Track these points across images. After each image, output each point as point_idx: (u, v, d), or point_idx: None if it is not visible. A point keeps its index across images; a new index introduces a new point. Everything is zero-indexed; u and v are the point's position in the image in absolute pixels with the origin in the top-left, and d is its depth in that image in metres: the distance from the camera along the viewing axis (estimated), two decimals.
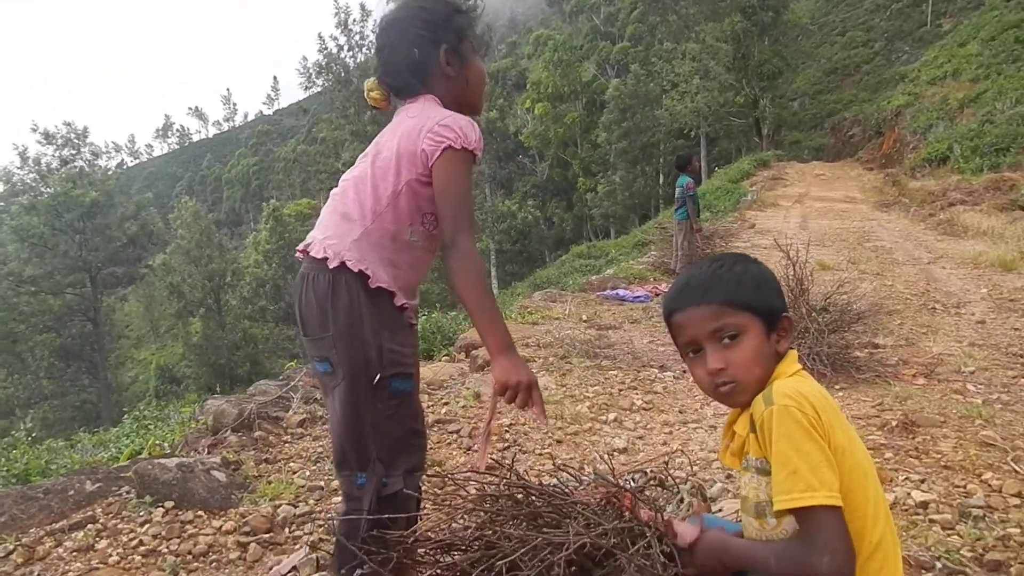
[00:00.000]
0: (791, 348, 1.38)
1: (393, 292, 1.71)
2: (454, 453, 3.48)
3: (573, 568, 1.40)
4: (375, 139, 1.84)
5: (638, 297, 7.98)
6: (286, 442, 3.65)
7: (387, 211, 1.71)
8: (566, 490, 1.54)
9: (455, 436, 3.70)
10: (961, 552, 2.30)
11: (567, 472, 1.77)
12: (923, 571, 2.20)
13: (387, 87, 1.87)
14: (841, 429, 1.26)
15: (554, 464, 1.60)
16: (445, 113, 1.74)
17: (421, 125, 1.72)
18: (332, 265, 1.67)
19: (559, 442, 3.55)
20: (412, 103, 1.82)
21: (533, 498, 1.49)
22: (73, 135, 40.29)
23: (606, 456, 3.23)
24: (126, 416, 6.91)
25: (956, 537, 2.41)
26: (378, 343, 1.66)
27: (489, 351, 1.65)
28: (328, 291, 1.68)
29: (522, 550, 1.28)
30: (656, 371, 4.87)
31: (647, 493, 1.72)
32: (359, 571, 1.39)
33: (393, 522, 1.54)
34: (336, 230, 1.73)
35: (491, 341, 1.63)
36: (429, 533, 1.49)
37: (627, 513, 1.47)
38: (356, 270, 1.67)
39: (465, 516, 1.48)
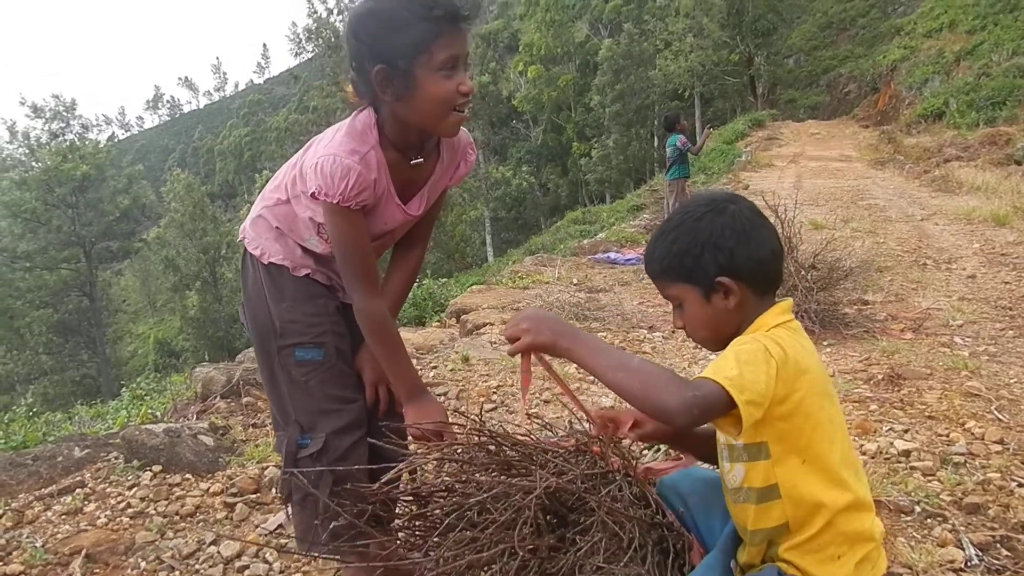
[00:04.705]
0: (786, 298, 1.40)
1: (286, 266, 1.73)
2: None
3: (548, 515, 1.41)
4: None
5: (629, 260, 7.97)
6: None
7: (287, 205, 1.71)
8: (536, 441, 1.55)
9: (442, 399, 3.72)
10: (940, 496, 2.33)
11: (540, 426, 1.78)
12: (902, 515, 2.23)
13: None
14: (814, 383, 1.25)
15: (529, 417, 1.61)
16: (327, 149, 1.55)
17: (313, 155, 1.59)
18: (238, 240, 1.81)
19: (546, 402, 3.57)
20: (353, 114, 1.64)
21: (505, 449, 1.50)
22: (62, 108, 39.86)
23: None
24: (124, 389, 6.95)
25: (936, 483, 2.44)
26: (278, 313, 1.70)
27: (400, 397, 1.74)
28: (244, 261, 1.81)
29: (491, 493, 1.29)
30: (645, 332, 4.88)
31: (623, 443, 1.73)
32: (334, 523, 1.40)
33: (320, 478, 1.62)
34: (252, 208, 1.82)
35: (398, 390, 1.73)
36: (399, 485, 1.50)
37: (598, 460, 1.48)
38: (250, 251, 1.76)
39: (437, 467, 1.49)
